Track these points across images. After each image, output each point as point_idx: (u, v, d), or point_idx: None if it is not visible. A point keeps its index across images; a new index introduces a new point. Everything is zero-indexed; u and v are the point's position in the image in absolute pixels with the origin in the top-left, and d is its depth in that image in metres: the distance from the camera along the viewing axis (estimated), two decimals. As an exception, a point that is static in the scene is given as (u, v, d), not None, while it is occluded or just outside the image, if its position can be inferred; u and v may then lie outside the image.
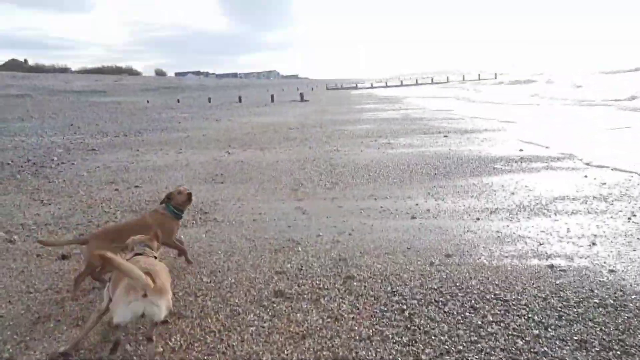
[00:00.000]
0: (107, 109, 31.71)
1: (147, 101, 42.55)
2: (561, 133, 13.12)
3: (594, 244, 4.70)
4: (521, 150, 10.41)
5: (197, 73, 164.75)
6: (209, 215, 6.20)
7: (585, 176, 7.62)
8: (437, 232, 5.25)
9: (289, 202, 6.86)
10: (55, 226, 5.85)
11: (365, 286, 3.92)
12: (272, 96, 44.13)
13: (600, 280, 3.88)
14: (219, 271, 4.32)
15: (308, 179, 8.33)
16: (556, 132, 13.45)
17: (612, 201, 6.15)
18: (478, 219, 5.65)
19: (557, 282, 3.86)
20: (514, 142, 11.70)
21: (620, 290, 3.68)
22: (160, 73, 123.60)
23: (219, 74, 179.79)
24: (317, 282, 4.03)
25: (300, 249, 4.85)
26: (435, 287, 3.86)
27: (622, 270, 4.05)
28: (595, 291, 3.68)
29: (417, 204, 6.42)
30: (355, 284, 3.97)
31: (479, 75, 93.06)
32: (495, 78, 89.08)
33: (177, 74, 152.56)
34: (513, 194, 6.76)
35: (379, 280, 4.02)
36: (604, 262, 4.24)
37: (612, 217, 5.50)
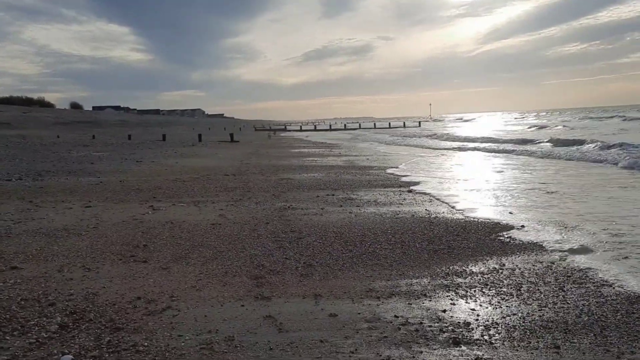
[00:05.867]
0: (8, 143, 27.63)
1: (58, 136, 38.27)
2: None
3: None
4: (510, 213, 8.78)
5: (117, 108, 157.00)
6: (123, 336, 3.76)
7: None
8: (514, 380, 3.19)
9: (249, 301, 4.57)
10: None
11: None
12: (199, 135, 41.33)
13: None
14: None
15: (268, 255, 6.10)
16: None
17: None
18: (557, 347, 3.65)
19: None
20: (492, 200, 10.11)
21: None
22: (75, 106, 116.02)
23: (140, 110, 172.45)
24: None
25: None
26: None
27: None
28: None
29: (444, 310, 4.34)
30: None
31: (390, 123, 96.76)
32: (405, 126, 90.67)
33: (94, 108, 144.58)
34: (562, 289, 4.89)
35: None
36: None
37: None
